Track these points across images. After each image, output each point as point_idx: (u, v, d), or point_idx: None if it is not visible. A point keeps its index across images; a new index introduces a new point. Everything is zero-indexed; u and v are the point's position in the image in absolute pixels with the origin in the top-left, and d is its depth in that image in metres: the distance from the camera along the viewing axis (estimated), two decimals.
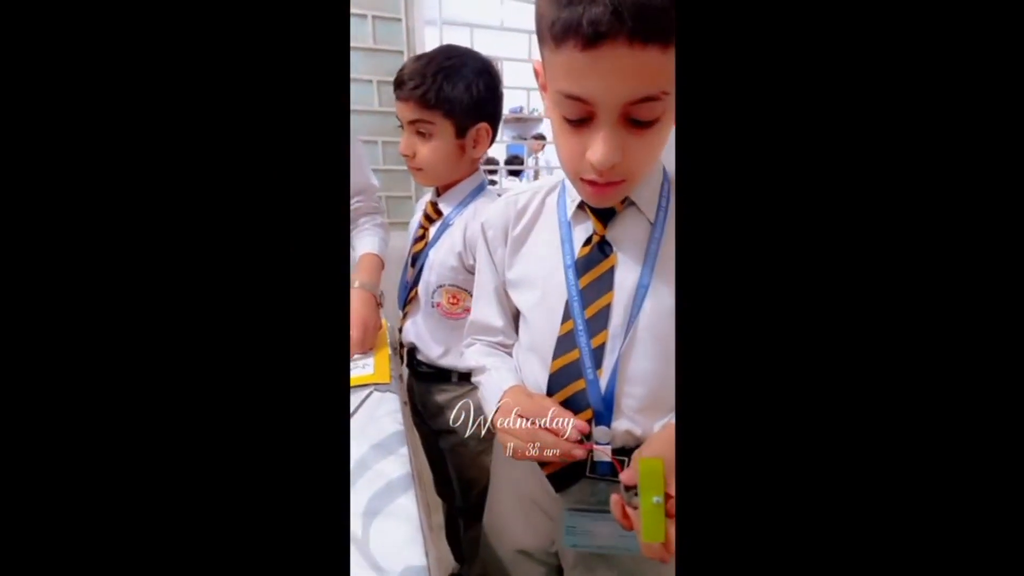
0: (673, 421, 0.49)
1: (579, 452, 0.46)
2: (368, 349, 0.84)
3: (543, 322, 0.53)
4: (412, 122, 0.78)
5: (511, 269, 0.59)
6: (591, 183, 0.45)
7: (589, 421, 0.50)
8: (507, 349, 0.63)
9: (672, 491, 0.40)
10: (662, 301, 0.49)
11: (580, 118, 0.41)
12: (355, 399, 0.70)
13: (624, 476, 0.44)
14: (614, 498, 0.43)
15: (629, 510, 0.42)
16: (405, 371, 0.95)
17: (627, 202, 0.51)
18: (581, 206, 0.53)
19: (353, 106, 1.37)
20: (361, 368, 0.79)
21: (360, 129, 1.41)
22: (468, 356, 0.65)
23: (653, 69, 0.37)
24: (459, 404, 0.78)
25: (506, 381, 0.56)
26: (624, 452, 0.49)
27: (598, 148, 0.41)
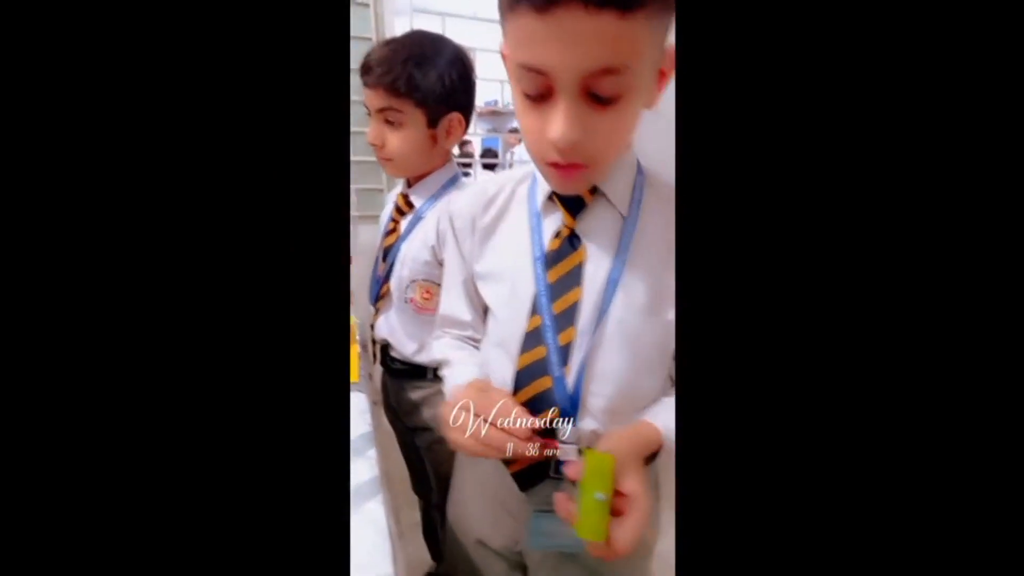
0: (640, 419, 0.48)
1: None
2: None
3: (510, 317, 0.52)
4: (381, 110, 0.75)
5: (479, 261, 0.57)
6: (555, 166, 0.43)
7: (555, 420, 0.48)
8: (476, 343, 0.61)
9: (627, 490, 0.39)
10: (633, 298, 0.48)
11: (539, 93, 0.39)
12: None
13: (568, 470, 0.42)
14: (557, 495, 0.42)
15: (572, 506, 0.41)
16: (377, 369, 0.92)
17: (597, 193, 0.50)
18: (551, 197, 0.51)
19: None
20: None
21: None
22: (435, 349, 0.63)
23: (610, 37, 0.35)
24: None
25: (467, 375, 0.54)
26: None
27: (557, 123, 0.39)
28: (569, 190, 0.48)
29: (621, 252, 0.49)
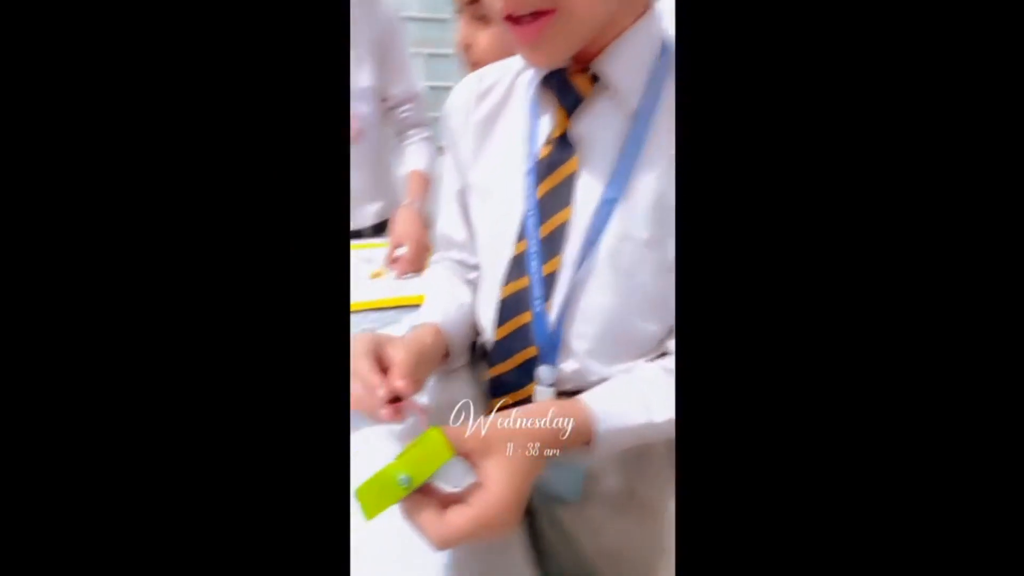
0: (576, 398, 0.38)
1: (384, 412, 0.35)
2: (420, 269, 0.78)
3: (497, 240, 0.43)
4: (471, 2, 0.67)
5: (473, 169, 0.47)
6: (513, 21, 0.33)
7: (533, 359, 0.40)
8: (469, 270, 0.52)
9: (479, 484, 0.29)
10: (631, 224, 0.38)
11: None
12: (408, 320, 0.65)
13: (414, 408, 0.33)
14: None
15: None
16: None
17: (599, 85, 0.38)
18: (546, 82, 0.40)
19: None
20: (413, 288, 0.73)
21: None
22: (426, 279, 0.56)
23: None
24: None
25: (423, 318, 0.46)
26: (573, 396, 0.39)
27: None
28: (543, 59, 0.37)
29: (624, 164, 0.38)
